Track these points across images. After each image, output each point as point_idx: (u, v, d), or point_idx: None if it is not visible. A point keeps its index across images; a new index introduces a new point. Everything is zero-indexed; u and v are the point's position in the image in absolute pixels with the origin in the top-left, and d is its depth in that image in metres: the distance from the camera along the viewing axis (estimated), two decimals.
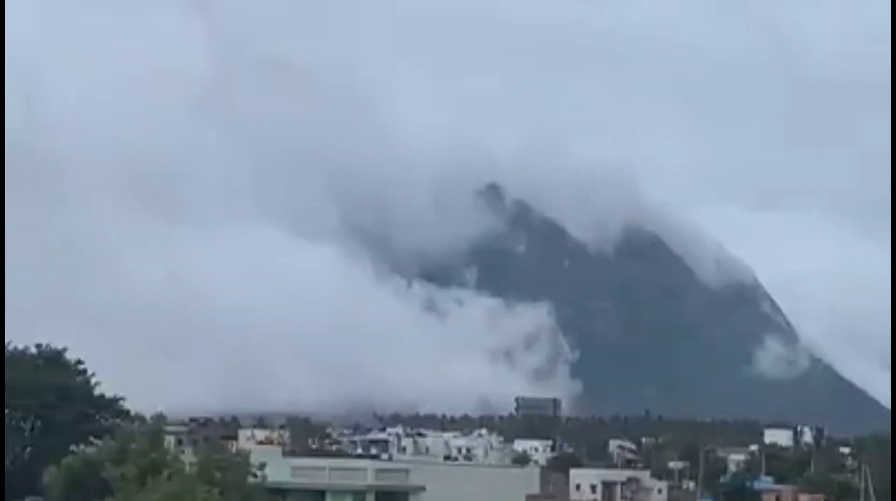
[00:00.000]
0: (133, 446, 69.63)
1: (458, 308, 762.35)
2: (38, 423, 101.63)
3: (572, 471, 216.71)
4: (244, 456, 73.29)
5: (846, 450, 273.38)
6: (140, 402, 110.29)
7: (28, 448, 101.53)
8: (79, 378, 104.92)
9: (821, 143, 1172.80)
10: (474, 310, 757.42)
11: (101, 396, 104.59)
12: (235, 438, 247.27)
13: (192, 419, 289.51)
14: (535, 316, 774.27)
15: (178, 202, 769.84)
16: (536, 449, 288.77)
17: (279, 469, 76.20)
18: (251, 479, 67.29)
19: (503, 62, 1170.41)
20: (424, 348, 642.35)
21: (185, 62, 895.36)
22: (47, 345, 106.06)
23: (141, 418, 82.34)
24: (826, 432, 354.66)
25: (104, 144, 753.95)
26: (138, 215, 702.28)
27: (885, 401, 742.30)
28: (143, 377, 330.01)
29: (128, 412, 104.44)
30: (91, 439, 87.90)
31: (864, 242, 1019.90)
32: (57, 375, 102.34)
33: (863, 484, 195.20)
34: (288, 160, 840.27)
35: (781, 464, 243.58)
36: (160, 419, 76.72)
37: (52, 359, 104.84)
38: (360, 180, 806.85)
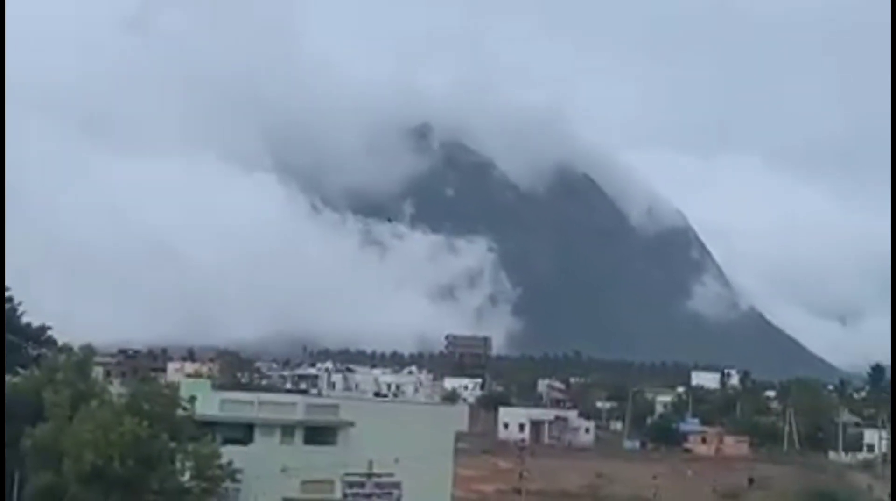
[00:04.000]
0: (60, 376, 68.82)
1: (394, 243, 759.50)
2: None
3: (501, 410, 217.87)
4: (173, 389, 72.75)
5: (772, 394, 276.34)
6: (68, 333, 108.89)
7: None
8: (4, 306, 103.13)
9: (758, 88, 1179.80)
10: (412, 245, 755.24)
11: (28, 325, 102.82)
12: (164, 370, 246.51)
13: (121, 351, 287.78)
14: (474, 252, 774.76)
15: (108, 131, 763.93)
16: (466, 388, 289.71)
17: (208, 403, 75.62)
18: (180, 411, 66.78)
19: (438, 1, 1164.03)
20: (359, 283, 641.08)
21: None
22: None
23: (69, 348, 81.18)
24: (752, 375, 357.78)
25: (30, 72, 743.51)
26: (68, 143, 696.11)
27: (812, 347, 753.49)
28: (72, 308, 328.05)
29: (55, 342, 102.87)
30: (17, 369, 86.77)
31: (799, 189, 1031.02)
32: None
33: (787, 428, 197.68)
34: (219, 92, 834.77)
35: (708, 406, 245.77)
36: (88, 349, 75.59)
37: None
38: (292, 114, 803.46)
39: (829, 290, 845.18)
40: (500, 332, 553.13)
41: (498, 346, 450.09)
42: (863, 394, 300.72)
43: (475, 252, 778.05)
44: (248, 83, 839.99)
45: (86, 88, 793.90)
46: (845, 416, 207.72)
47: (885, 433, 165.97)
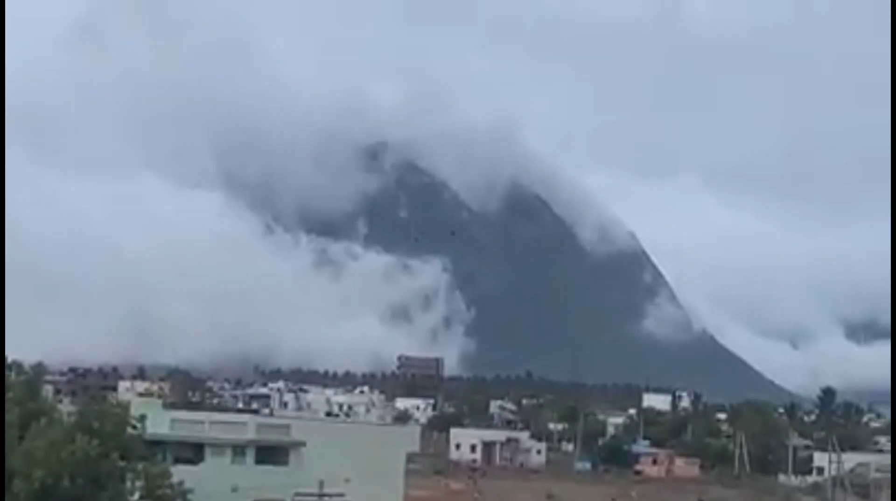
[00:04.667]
0: (10, 394, 68.37)
1: (348, 264, 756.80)
2: None
3: (453, 430, 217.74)
4: (123, 408, 72.38)
5: (722, 416, 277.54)
6: (18, 350, 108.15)
7: None
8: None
9: (703, 111, 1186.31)
10: (365, 266, 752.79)
11: None
12: (115, 389, 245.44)
13: (72, 370, 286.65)
14: (427, 273, 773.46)
15: (57, 147, 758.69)
16: (418, 408, 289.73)
17: (158, 422, 75.27)
18: (130, 431, 66.41)
19: (392, 16, 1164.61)
20: (312, 302, 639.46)
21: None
22: None
23: (19, 366, 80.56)
24: (703, 398, 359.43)
25: None
26: (15, 159, 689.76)
27: (763, 370, 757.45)
28: (22, 326, 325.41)
29: (4, 359, 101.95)
30: None
31: (753, 212, 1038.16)
32: None
33: (737, 450, 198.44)
34: (168, 108, 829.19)
35: (659, 428, 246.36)
36: (39, 367, 75.17)
37: None
38: (245, 132, 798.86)
39: (779, 313, 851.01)
40: (453, 353, 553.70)
41: (450, 367, 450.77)
42: (812, 417, 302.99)
43: (429, 273, 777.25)
44: (198, 101, 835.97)
45: (26, 101, 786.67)
46: (795, 439, 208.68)
47: (835, 457, 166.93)
